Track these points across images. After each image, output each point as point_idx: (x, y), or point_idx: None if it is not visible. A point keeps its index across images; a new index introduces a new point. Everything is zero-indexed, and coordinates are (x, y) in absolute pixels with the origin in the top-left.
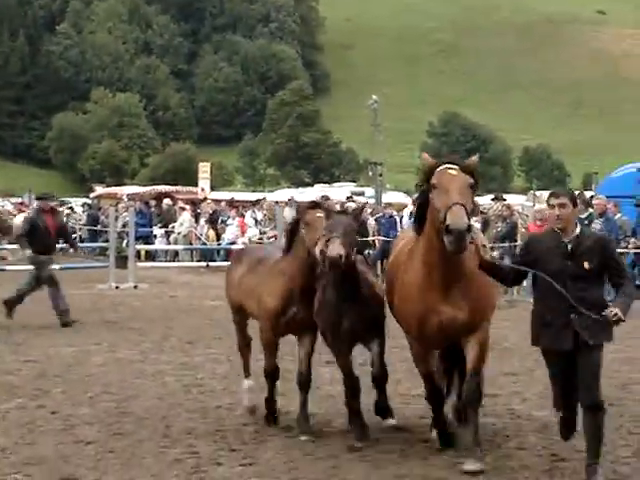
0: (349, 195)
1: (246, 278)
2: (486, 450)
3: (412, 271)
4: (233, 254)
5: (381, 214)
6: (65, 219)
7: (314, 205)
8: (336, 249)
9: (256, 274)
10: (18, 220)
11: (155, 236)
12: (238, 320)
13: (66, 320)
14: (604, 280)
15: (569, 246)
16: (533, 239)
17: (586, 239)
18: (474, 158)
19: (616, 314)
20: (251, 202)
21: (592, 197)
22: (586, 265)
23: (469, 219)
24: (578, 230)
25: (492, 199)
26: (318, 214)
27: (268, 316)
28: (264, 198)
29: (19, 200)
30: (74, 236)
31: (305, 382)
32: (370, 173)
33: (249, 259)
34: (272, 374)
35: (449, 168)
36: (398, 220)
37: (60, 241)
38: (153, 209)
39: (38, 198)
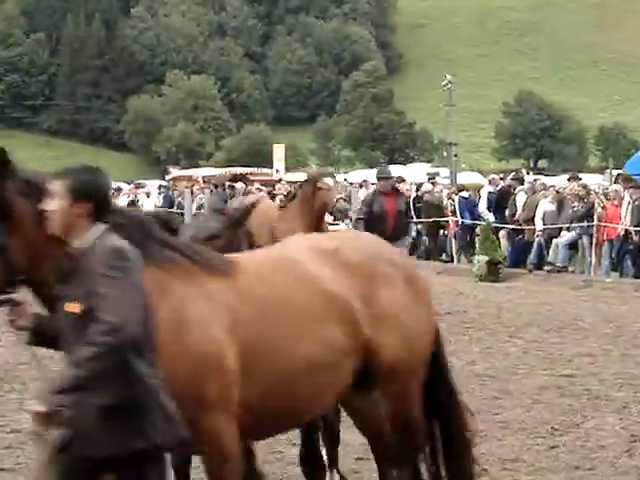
0: (431, 177)
1: None
2: (563, 431)
3: None
4: None
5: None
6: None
7: None
8: None
9: None
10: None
11: None
12: None
13: None
14: None
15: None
16: None
17: (80, 260)
18: None
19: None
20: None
21: (619, 175)
22: (71, 308)
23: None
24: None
25: (568, 179)
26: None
27: None
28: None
29: None
30: None
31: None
32: (445, 153)
33: None
34: None
35: None
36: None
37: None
38: (228, 190)
39: (378, 178)
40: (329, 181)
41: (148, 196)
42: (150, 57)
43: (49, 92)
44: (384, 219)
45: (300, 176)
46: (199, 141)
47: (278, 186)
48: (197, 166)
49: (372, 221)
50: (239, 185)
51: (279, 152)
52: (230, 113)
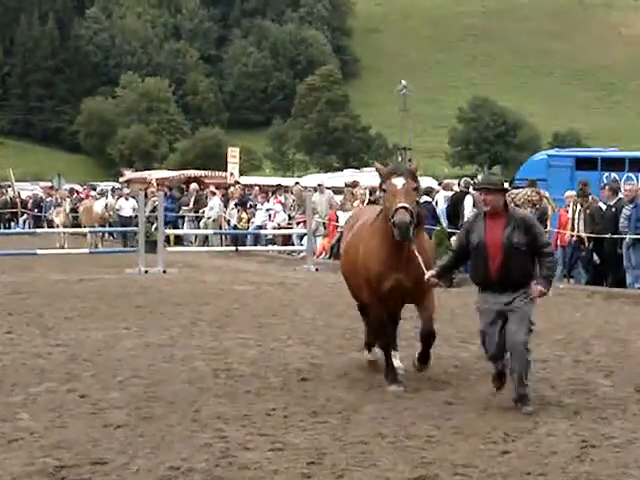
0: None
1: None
2: (516, 436)
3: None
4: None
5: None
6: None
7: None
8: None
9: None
10: (98, 207)
11: (183, 218)
12: None
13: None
14: None
15: None
16: None
17: None
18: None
19: None
20: (274, 187)
21: (512, 180)
22: None
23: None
24: None
25: (527, 185)
26: None
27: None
28: (293, 184)
29: (48, 184)
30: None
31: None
32: (399, 158)
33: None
34: None
35: None
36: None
37: None
38: (178, 194)
39: (478, 189)
40: (398, 182)
41: (127, 199)
42: (104, 58)
43: (2, 92)
44: (483, 256)
45: (255, 179)
46: (153, 143)
47: (232, 189)
48: (151, 168)
49: (466, 256)
50: (193, 186)
51: (234, 155)
52: (185, 116)
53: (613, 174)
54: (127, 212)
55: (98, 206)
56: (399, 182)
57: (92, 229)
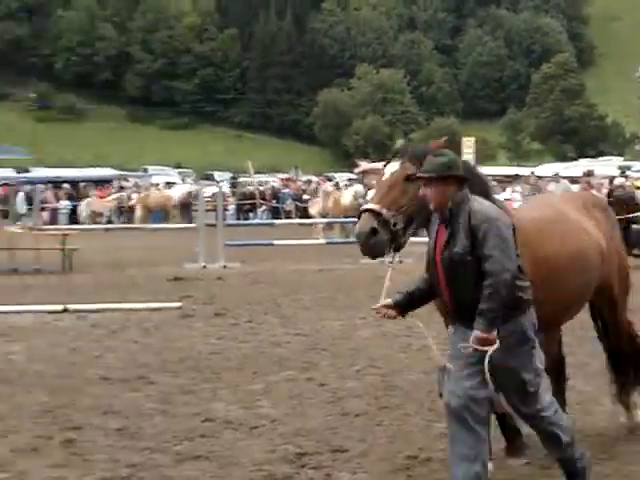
0: (622, 170)
1: None
2: None
3: None
4: None
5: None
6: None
7: None
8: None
9: None
10: (346, 198)
11: None
12: None
13: None
14: None
15: None
16: None
17: None
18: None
19: None
20: (510, 177)
21: None
22: None
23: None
24: None
25: None
26: None
27: None
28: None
29: (286, 176)
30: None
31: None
32: (637, 147)
33: None
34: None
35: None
36: None
37: None
38: None
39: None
40: (388, 169)
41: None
42: (340, 51)
43: (241, 86)
44: (434, 274)
45: (489, 169)
46: (388, 134)
47: None
48: (386, 159)
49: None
50: None
51: (469, 145)
52: (419, 106)
53: None
54: None
55: (346, 196)
56: (388, 170)
57: (327, 220)
